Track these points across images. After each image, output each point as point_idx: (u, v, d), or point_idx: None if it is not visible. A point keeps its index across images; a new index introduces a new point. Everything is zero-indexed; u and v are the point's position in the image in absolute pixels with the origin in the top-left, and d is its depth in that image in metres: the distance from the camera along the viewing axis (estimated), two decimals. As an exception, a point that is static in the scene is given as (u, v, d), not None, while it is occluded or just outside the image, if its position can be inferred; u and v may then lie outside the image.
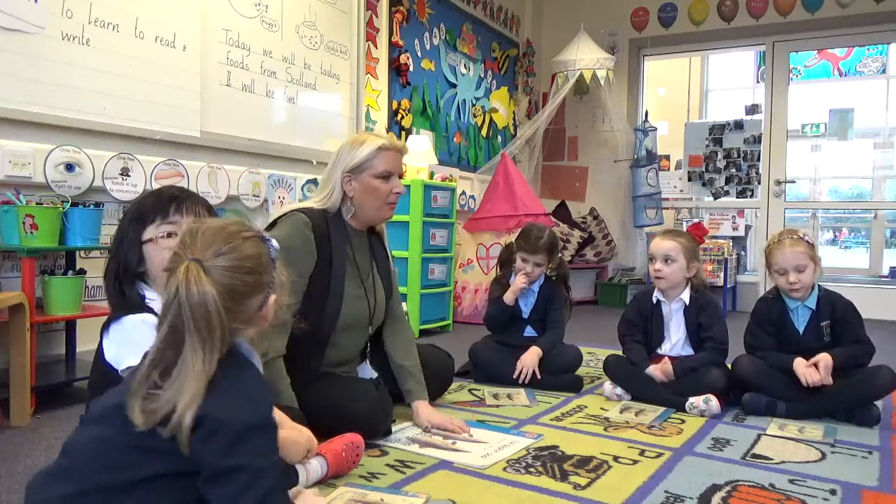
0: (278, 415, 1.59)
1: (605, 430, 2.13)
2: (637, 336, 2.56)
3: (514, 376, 2.63)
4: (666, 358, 2.47)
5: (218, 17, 3.19)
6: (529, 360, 2.64)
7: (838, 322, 2.35)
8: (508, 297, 2.76)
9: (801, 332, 2.38)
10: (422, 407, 2.06)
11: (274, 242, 1.19)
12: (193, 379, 1.03)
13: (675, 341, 2.51)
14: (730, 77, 7.89)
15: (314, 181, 3.63)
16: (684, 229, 3.35)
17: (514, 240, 2.85)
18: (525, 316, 2.81)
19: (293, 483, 1.49)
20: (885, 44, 6.09)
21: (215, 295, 1.06)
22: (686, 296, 2.50)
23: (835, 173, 7.26)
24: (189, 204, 1.49)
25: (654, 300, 2.54)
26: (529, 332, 2.81)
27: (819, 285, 2.40)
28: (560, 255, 2.86)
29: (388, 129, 4.42)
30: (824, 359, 2.24)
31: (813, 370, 2.24)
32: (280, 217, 1.97)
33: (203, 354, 1.04)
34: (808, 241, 2.35)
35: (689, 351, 2.50)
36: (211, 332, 1.05)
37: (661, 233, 2.63)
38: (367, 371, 2.14)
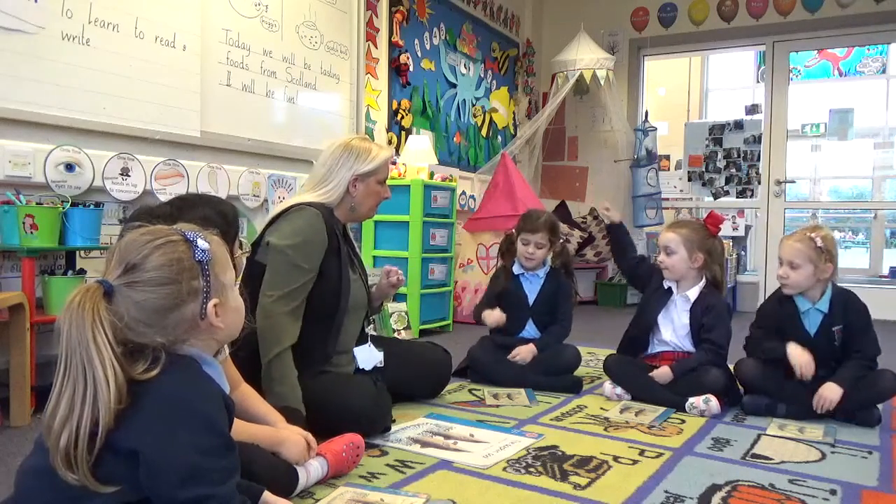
0: (276, 415, 1.59)
1: (605, 430, 2.13)
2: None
3: (510, 356, 2.66)
4: (665, 367, 2.45)
5: (218, 17, 3.19)
6: (525, 350, 2.68)
7: (849, 327, 2.29)
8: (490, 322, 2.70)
9: (812, 336, 2.31)
10: None
11: (201, 243, 1.08)
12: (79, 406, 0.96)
13: (679, 331, 2.49)
14: (730, 77, 7.90)
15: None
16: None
17: (514, 229, 2.82)
18: (530, 304, 2.77)
19: (293, 485, 1.49)
20: (885, 44, 6.10)
21: (99, 335, 0.98)
22: (694, 292, 2.48)
23: (835, 173, 7.27)
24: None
25: (666, 286, 2.53)
26: (531, 330, 2.79)
27: (833, 285, 2.32)
28: (562, 240, 2.84)
29: (388, 129, 4.42)
30: (834, 392, 2.21)
31: (809, 363, 2.23)
32: (287, 210, 2.05)
33: (84, 390, 0.97)
34: (817, 244, 2.24)
35: (688, 344, 2.48)
36: (91, 371, 0.97)
37: (670, 223, 2.64)
38: (373, 353, 2.19)
